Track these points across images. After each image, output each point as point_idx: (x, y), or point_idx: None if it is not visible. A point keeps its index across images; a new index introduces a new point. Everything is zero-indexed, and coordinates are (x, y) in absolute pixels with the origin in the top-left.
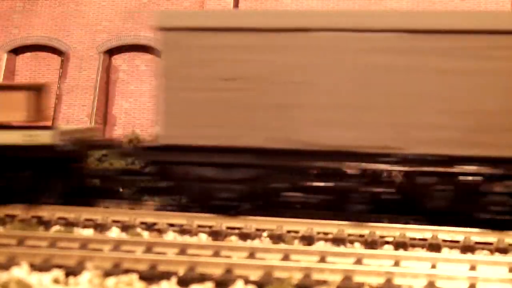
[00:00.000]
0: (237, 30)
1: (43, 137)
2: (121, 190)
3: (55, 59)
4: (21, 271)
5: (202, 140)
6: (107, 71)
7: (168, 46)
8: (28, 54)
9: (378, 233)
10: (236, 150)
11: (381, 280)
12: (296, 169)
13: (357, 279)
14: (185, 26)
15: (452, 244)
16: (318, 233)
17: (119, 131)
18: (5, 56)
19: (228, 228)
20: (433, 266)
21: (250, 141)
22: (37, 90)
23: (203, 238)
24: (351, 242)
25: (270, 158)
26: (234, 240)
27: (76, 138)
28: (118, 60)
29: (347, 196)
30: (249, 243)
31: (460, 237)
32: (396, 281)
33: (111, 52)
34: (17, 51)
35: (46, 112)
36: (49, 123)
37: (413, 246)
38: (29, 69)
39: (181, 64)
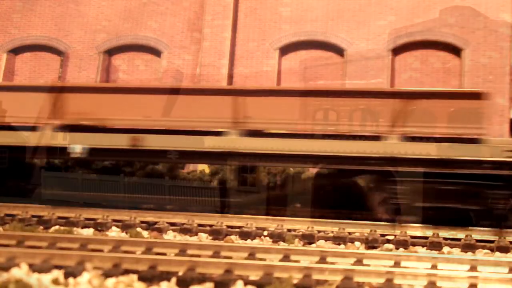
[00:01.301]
0: None
1: None
2: None
3: (55, 59)
4: (20, 272)
5: None
6: (107, 71)
7: None
8: (27, 54)
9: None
10: None
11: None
12: None
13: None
14: None
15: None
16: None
17: None
18: (4, 56)
19: (229, 227)
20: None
21: None
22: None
23: (203, 237)
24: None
25: None
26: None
27: None
28: (118, 60)
29: None
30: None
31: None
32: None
33: (111, 52)
34: (16, 51)
35: (486, 125)
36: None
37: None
38: (29, 69)
39: None
